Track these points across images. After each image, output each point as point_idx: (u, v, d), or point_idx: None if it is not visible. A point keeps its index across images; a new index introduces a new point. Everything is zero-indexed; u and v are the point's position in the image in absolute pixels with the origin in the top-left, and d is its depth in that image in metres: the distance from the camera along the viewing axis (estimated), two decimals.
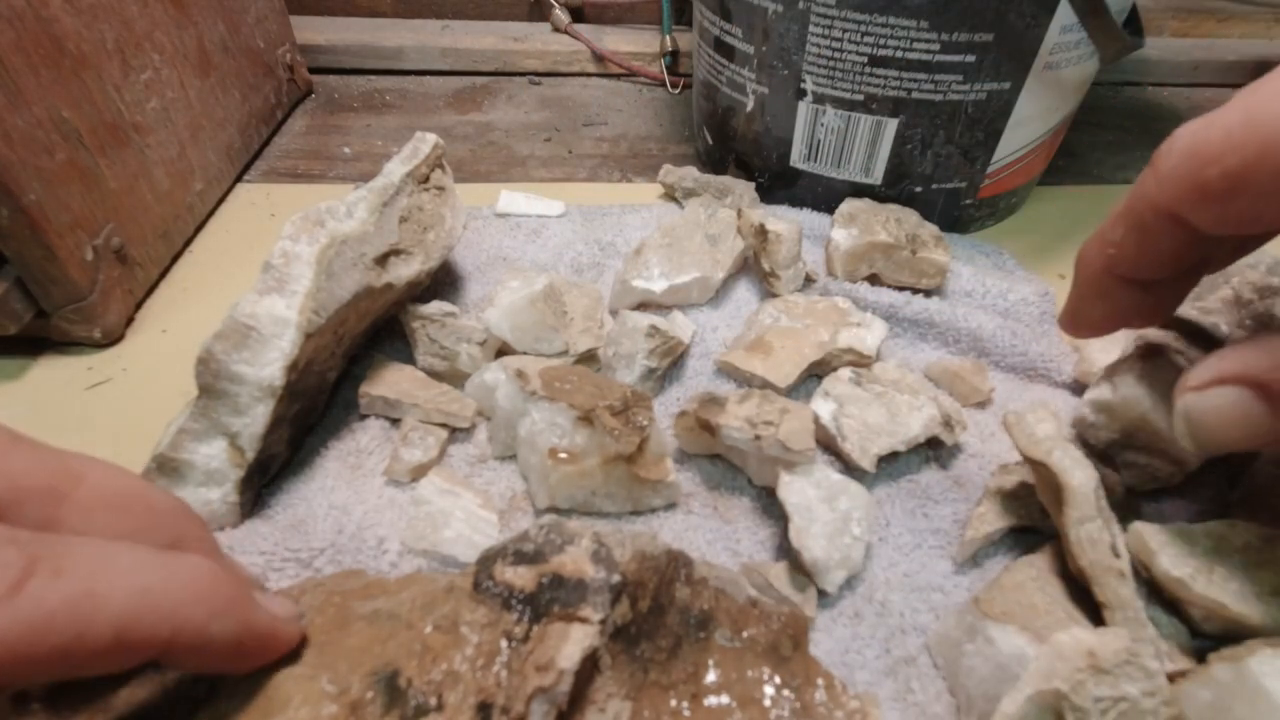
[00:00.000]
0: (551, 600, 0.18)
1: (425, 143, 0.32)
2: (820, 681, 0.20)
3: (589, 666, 0.18)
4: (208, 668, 0.17)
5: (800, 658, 0.20)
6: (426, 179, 0.32)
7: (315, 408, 0.29)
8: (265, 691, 0.17)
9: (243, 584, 0.18)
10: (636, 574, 0.20)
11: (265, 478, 0.27)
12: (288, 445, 0.27)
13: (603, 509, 0.26)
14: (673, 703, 0.19)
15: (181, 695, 0.18)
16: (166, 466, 0.24)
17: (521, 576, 0.19)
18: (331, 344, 0.28)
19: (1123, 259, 0.20)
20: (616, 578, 0.19)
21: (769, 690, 0.19)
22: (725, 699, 0.19)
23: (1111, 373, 0.28)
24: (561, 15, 0.60)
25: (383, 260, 0.28)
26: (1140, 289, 0.21)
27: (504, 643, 0.18)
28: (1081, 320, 0.23)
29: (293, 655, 0.18)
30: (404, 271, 0.29)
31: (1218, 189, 0.17)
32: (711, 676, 0.19)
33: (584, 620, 0.18)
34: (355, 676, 0.17)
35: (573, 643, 0.17)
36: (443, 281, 0.36)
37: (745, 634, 0.20)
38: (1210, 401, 0.19)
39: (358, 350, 0.32)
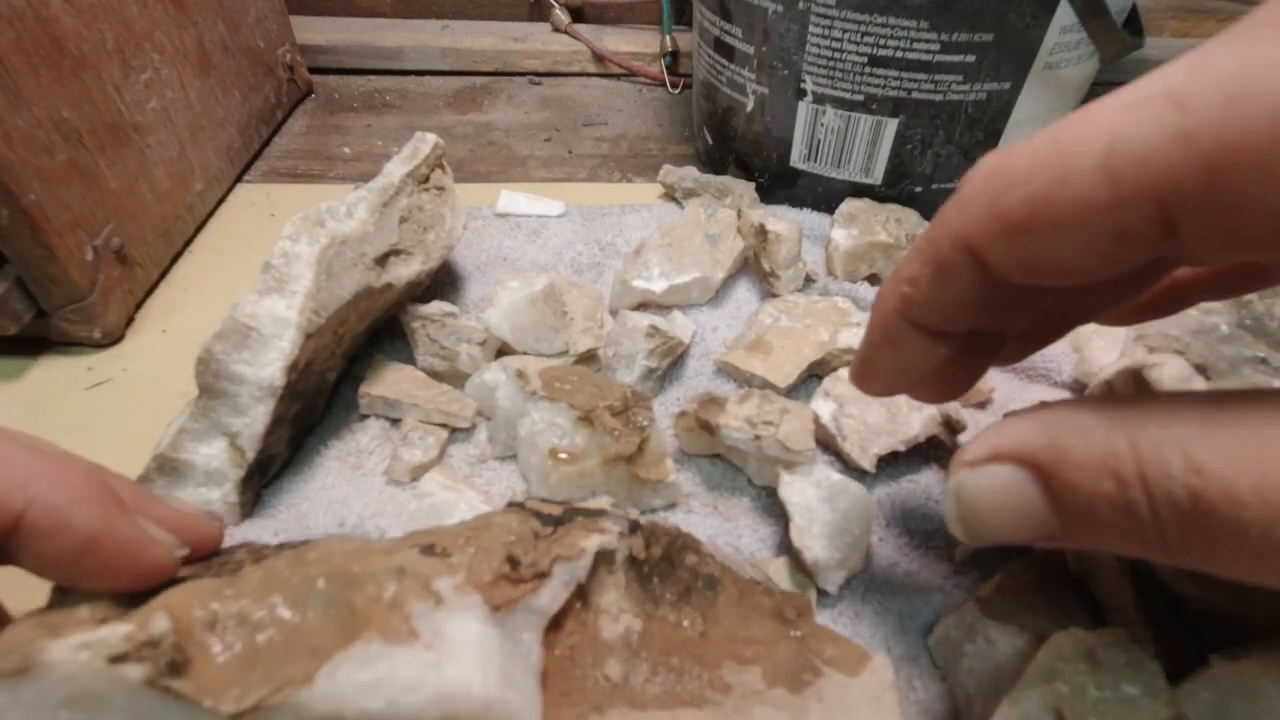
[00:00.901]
0: (575, 515, 0.20)
1: (425, 143, 0.32)
2: (826, 635, 0.20)
3: (604, 573, 0.19)
4: (61, 563, 0.16)
5: (805, 621, 0.21)
6: (426, 179, 0.32)
7: (315, 408, 0.29)
8: (308, 556, 0.17)
9: (123, 493, 0.17)
10: (650, 530, 0.21)
11: (265, 478, 0.27)
12: (288, 445, 0.27)
13: None
14: (683, 629, 0.19)
15: (227, 572, 0.18)
16: (167, 466, 0.24)
17: (549, 506, 0.20)
18: (331, 344, 0.28)
19: (916, 299, 0.17)
20: (634, 516, 0.21)
21: (775, 634, 0.20)
22: (734, 636, 0.20)
23: (1111, 373, 0.28)
24: (561, 15, 0.60)
25: (383, 260, 0.28)
26: (933, 343, 0.18)
27: (532, 534, 0.19)
28: (868, 371, 0.20)
29: (332, 548, 0.18)
30: (404, 272, 0.29)
31: (1017, 218, 0.14)
32: (720, 620, 0.20)
33: (603, 530, 0.19)
34: (395, 548, 0.18)
35: (593, 539, 0.19)
36: (443, 281, 0.36)
37: (750, 600, 0.21)
38: (984, 482, 0.16)
39: (358, 350, 0.32)
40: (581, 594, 0.19)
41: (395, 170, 0.30)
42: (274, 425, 0.25)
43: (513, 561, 0.17)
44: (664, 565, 0.21)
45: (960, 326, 0.18)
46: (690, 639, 0.19)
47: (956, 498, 0.16)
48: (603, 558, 0.19)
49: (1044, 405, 0.16)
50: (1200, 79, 0.12)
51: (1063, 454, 0.14)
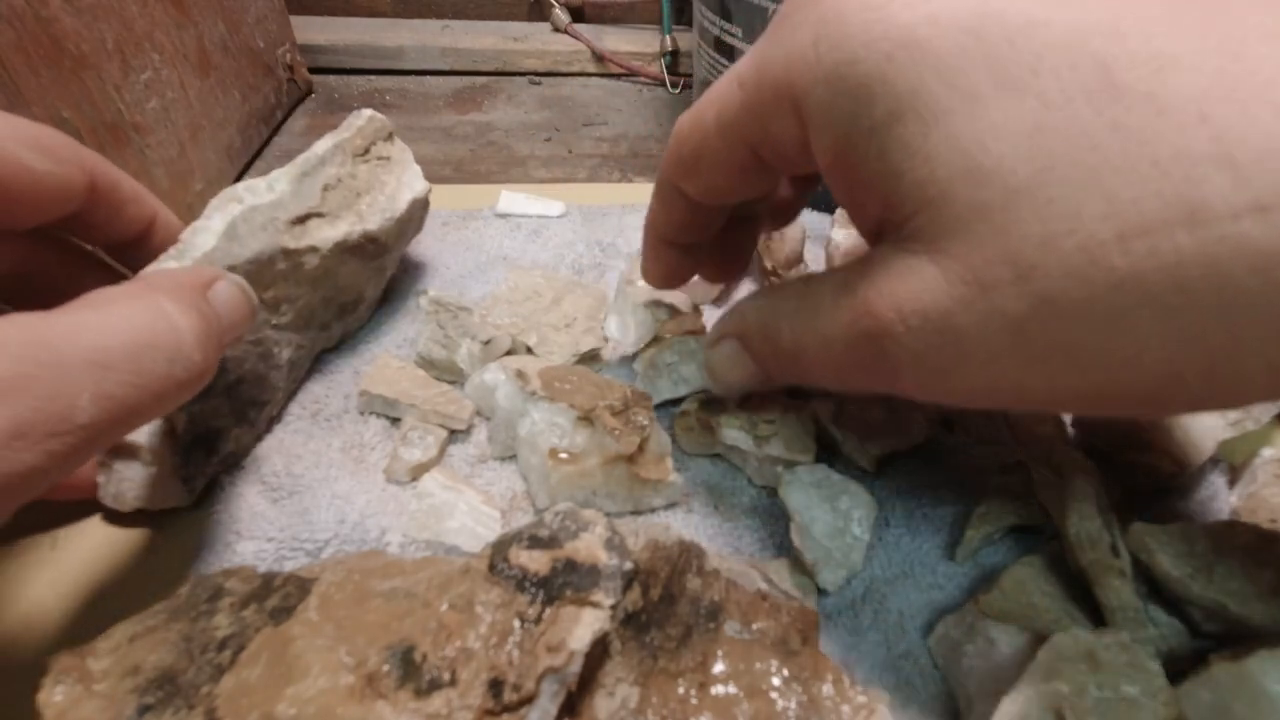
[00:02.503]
0: (565, 584, 0.19)
1: (360, 118, 0.32)
2: (828, 676, 0.20)
3: (599, 650, 0.19)
4: (126, 215, 0.25)
5: (809, 652, 0.20)
6: (366, 151, 0.31)
7: (265, 382, 0.28)
8: (285, 660, 0.17)
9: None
10: (649, 563, 0.20)
11: (215, 455, 0.26)
12: (235, 419, 0.27)
13: (603, 509, 0.26)
14: (680, 690, 0.19)
15: (206, 662, 0.18)
16: (123, 451, 0.24)
17: (536, 560, 0.19)
18: (263, 313, 0.27)
19: (655, 223, 0.25)
20: (629, 565, 0.19)
21: (776, 682, 0.19)
22: (732, 689, 0.19)
23: None
24: (561, 15, 0.60)
25: (301, 222, 0.28)
26: (681, 252, 0.26)
27: (517, 623, 0.18)
28: (650, 275, 0.27)
29: (313, 628, 0.18)
30: (329, 233, 0.28)
31: (688, 163, 0.22)
32: (720, 666, 0.19)
33: (595, 605, 0.18)
34: (372, 650, 0.18)
35: (584, 625, 0.18)
36: (444, 281, 0.36)
37: (755, 626, 0.21)
38: (717, 354, 0.24)
39: (353, 339, 0.32)
40: (574, 691, 0.18)
41: (322, 144, 0.30)
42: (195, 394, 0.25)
43: (496, 687, 0.17)
44: (663, 606, 0.20)
45: (690, 238, 0.25)
46: (686, 699, 0.19)
47: (706, 366, 0.25)
48: (595, 644, 0.18)
49: (739, 302, 0.24)
50: (746, 62, 0.19)
51: (745, 331, 0.23)
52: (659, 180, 0.24)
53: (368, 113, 0.32)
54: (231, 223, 0.25)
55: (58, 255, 0.25)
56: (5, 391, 0.15)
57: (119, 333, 0.17)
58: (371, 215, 0.30)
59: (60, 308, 0.17)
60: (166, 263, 0.24)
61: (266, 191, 0.27)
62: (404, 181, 0.32)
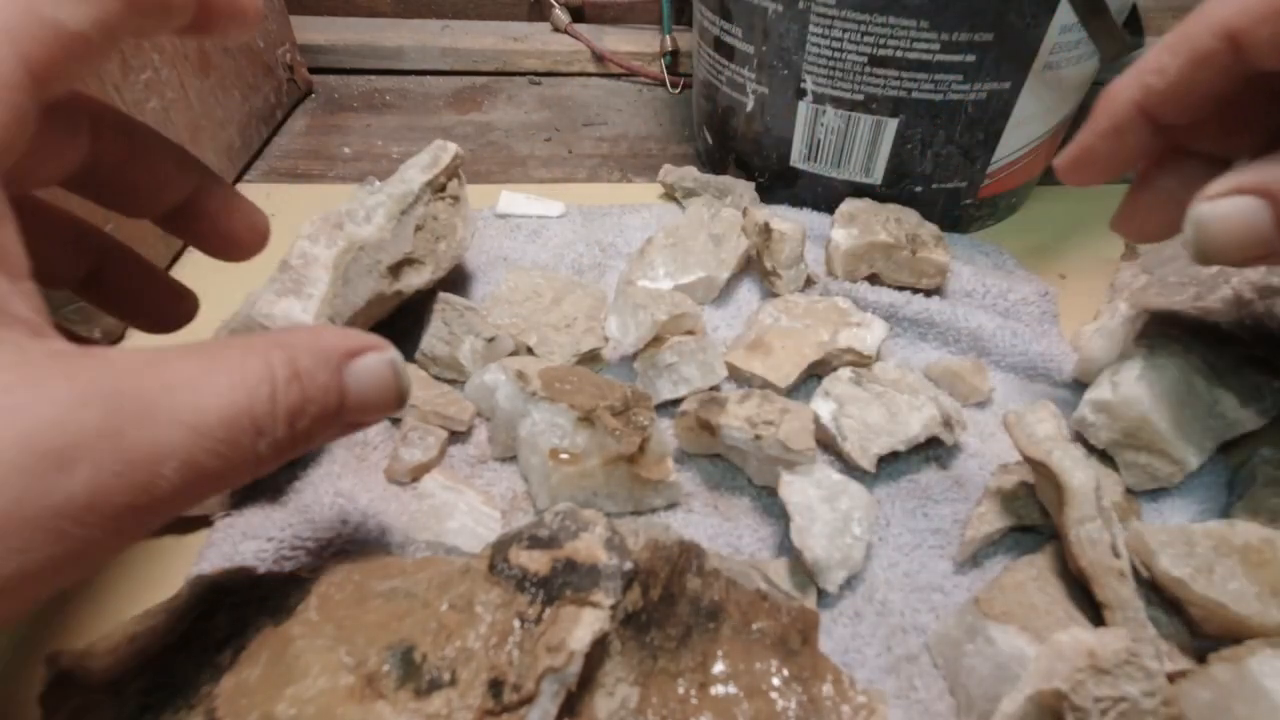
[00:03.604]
0: (564, 584, 0.19)
1: (446, 152, 0.32)
2: (828, 676, 0.20)
3: (599, 650, 0.19)
4: None
5: (809, 652, 0.20)
6: (444, 188, 0.32)
7: None
8: (285, 660, 0.17)
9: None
10: (649, 563, 0.20)
11: None
12: None
13: (604, 509, 0.26)
14: (680, 690, 0.19)
15: (206, 661, 0.18)
16: None
17: (536, 560, 0.19)
18: None
19: (1158, 88, 0.20)
20: (629, 565, 0.19)
21: (776, 682, 0.19)
22: (732, 689, 0.19)
23: (1112, 372, 0.28)
24: (561, 15, 0.60)
25: (396, 269, 0.29)
26: (1154, 135, 0.21)
27: (517, 623, 0.18)
28: (1084, 159, 0.23)
29: (313, 628, 0.18)
30: (415, 280, 0.30)
31: None
32: (720, 666, 0.19)
33: (595, 605, 0.18)
34: (372, 650, 0.18)
35: (584, 626, 0.18)
36: (443, 281, 0.36)
37: (755, 626, 0.21)
38: (1221, 210, 0.19)
39: None
40: (574, 691, 0.18)
41: (415, 178, 0.30)
42: None
43: (496, 687, 0.17)
44: (663, 606, 0.20)
45: (1195, 115, 0.21)
46: (686, 699, 0.19)
47: (1195, 225, 0.20)
48: (595, 644, 0.18)
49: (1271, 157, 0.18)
50: None
51: None
52: (1188, 33, 0.19)
53: (453, 148, 0.33)
54: (345, 265, 0.26)
55: (127, 143, 0.21)
56: (90, 447, 0.12)
57: (221, 394, 0.14)
58: (444, 261, 0.31)
59: (160, 351, 0.14)
60: (283, 300, 0.25)
61: (365, 221, 0.28)
62: (466, 227, 0.33)
